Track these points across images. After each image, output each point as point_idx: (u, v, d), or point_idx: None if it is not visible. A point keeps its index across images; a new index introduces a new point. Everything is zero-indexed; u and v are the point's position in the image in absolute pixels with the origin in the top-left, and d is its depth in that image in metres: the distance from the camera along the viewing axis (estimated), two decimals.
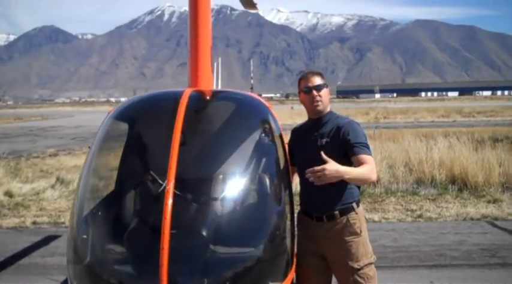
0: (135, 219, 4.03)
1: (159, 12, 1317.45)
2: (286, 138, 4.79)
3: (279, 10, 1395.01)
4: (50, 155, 25.61)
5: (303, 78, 4.57)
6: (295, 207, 4.50)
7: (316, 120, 4.51)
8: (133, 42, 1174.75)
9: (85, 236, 4.03)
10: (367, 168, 4.11)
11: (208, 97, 4.57)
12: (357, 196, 4.46)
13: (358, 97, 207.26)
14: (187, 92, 4.18)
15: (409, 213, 11.39)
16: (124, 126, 4.73)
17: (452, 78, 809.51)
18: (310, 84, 4.47)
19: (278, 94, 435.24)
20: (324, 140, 4.35)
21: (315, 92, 4.43)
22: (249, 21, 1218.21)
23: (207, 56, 4.91)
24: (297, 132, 4.78)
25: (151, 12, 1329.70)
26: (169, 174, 3.46)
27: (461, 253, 8.39)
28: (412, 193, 13.24)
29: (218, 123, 4.52)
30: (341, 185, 4.25)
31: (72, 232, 4.14)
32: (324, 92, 4.48)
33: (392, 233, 9.68)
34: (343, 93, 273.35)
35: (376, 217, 10.92)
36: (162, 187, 3.59)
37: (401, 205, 12.13)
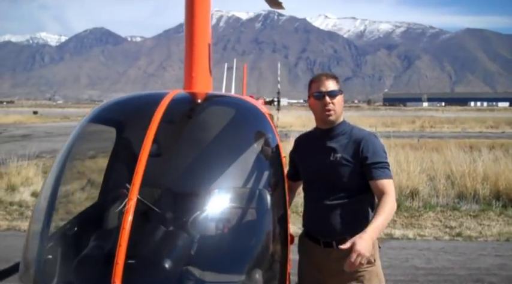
0: (92, 243, 3.47)
1: None
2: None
3: (326, 16, 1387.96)
4: (89, 157, 25.47)
5: (315, 80, 4.05)
6: (298, 227, 4.17)
7: (327, 131, 4.01)
8: (180, 45, 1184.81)
9: (51, 256, 3.51)
10: (389, 204, 3.62)
11: (195, 101, 4.12)
12: (369, 219, 3.83)
13: (405, 105, 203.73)
14: (171, 94, 3.73)
15: (447, 230, 10.70)
16: (99, 129, 4.39)
17: (502, 88, 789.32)
18: (323, 89, 3.94)
19: None
20: (338, 155, 3.87)
21: (327, 99, 3.91)
22: (296, 26, 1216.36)
23: (203, 55, 4.47)
24: (302, 142, 4.30)
25: None
26: (131, 192, 2.97)
27: (501, 279, 7.65)
28: (453, 208, 12.52)
29: (202, 130, 4.13)
30: (354, 205, 3.88)
31: (32, 249, 3.62)
32: (338, 100, 3.97)
33: (426, 252, 8.99)
34: (390, 101, 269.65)
35: (411, 234, 10.22)
36: (121, 207, 3.01)
37: (440, 221, 11.41)
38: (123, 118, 4.30)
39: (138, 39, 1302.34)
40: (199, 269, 3.34)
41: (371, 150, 3.81)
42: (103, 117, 4.23)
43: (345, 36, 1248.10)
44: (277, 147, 4.03)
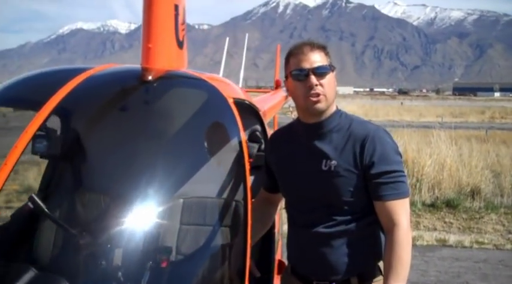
0: None
1: (274, 4, 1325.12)
2: None
3: (395, 3, 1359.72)
4: None
5: (294, 52, 2.83)
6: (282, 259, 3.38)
7: (314, 126, 2.82)
8: (247, 33, 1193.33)
9: None
10: (404, 248, 2.61)
11: (122, 81, 3.12)
12: (382, 249, 2.76)
13: (475, 95, 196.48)
14: (91, 71, 2.88)
15: (510, 236, 9.30)
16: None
17: None
18: (306, 65, 2.74)
19: (391, 89, 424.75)
20: (333, 163, 2.73)
21: (313, 79, 2.71)
22: (364, 14, 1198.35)
23: (167, 19, 3.35)
24: (279, 141, 3.11)
25: (266, 3, 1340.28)
26: None
27: None
28: None
29: (123, 121, 3.20)
30: (361, 232, 2.80)
31: None
32: (329, 80, 2.76)
33: (482, 266, 7.69)
34: (460, 90, 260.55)
35: (467, 240, 8.89)
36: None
37: (503, 226, 10.02)
38: (14, 103, 3.22)
39: (205, 26, 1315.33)
40: None
41: (378, 153, 2.71)
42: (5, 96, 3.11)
43: (415, 23, 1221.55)
44: (240, 143, 2.98)
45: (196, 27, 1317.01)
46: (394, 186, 2.68)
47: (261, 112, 4.24)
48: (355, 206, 2.76)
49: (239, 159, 2.96)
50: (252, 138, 4.33)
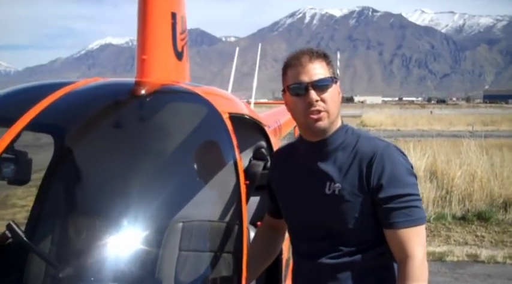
0: None
1: (301, 14, 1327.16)
2: None
3: (423, 11, 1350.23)
4: None
5: (292, 63, 2.51)
6: None
7: (317, 145, 2.52)
8: (274, 44, 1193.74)
9: None
10: (419, 274, 2.32)
11: (107, 97, 2.86)
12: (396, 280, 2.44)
13: (507, 103, 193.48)
14: (71, 87, 2.67)
15: None
16: None
17: None
18: (304, 78, 2.43)
19: (420, 98, 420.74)
20: (336, 186, 2.44)
21: (313, 94, 2.40)
22: (391, 22, 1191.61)
23: (163, 28, 3.16)
24: (282, 160, 2.78)
25: (292, 14, 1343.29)
26: None
27: None
28: None
29: (107, 139, 2.89)
30: (373, 262, 2.50)
31: None
32: (332, 93, 2.46)
33: None
34: (491, 98, 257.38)
35: (500, 255, 8.47)
36: None
37: None
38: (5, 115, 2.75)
39: (232, 39, 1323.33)
40: None
41: (387, 173, 2.39)
42: None
43: (443, 31, 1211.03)
44: (235, 163, 2.73)
45: (224, 39, 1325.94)
46: (407, 212, 2.36)
47: (266, 128, 4.03)
48: (363, 235, 2.46)
49: (232, 179, 2.69)
50: (257, 156, 4.01)
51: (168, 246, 2.67)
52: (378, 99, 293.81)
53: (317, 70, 2.43)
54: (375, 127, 40.00)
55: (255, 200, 4.18)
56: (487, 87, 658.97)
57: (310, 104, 2.40)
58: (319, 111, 2.40)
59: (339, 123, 2.52)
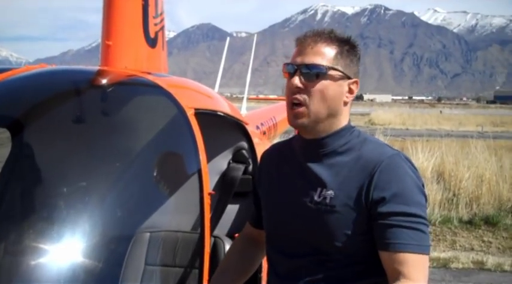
0: None
1: (312, 11, 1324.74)
2: None
3: (435, 10, 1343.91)
4: None
5: (297, 41, 2.14)
6: None
7: (313, 144, 2.12)
8: (285, 40, 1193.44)
9: None
10: None
11: (46, 86, 2.53)
12: None
13: None
14: (9, 73, 2.39)
15: None
16: None
17: None
18: (297, 59, 2.06)
19: (430, 97, 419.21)
20: (329, 193, 2.02)
21: (296, 79, 2.02)
22: (403, 21, 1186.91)
23: (131, 13, 2.81)
24: (272, 159, 2.35)
25: (304, 11, 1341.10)
26: None
27: None
28: None
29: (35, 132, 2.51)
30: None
31: None
32: (323, 86, 2.02)
33: None
34: (502, 99, 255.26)
35: (507, 263, 8.12)
36: None
37: None
38: None
39: (243, 34, 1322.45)
40: None
41: (393, 186, 1.95)
42: None
43: (455, 30, 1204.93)
44: (199, 172, 2.39)
45: (235, 35, 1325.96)
46: (411, 234, 1.90)
47: (248, 127, 3.65)
48: (353, 256, 2.02)
49: (192, 185, 2.42)
50: (237, 158, 3.58)
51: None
52: (388, 98, 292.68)
53: (316, 54, 2.02)
54: (384, 126, 39.49)
55: (233, 209, 3.70)
56: (498, 87, 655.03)
57: (291, 92, 2.03)
58: (299, 103, 2.01)
59: (342, 123, 2.12)
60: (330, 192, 2.01)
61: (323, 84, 1.99)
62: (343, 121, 2.12)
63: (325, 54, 2.02)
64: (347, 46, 2.08)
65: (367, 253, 2.00)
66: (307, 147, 2.13)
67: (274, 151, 2.40)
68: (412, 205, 1.93)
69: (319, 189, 2.04)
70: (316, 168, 2.08)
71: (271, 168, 2.30)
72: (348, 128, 2.13)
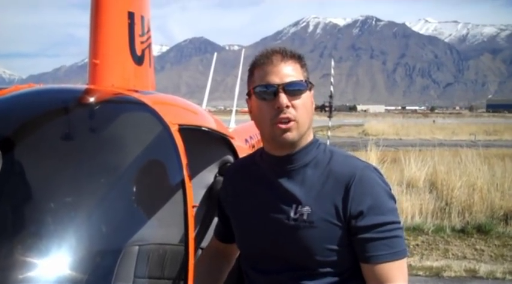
0: None
1: (304, 23, 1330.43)
2: None
3: (426, 20, 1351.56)
4: None
5: (260, 63, 2.14)
6: None
7: (283, 160, 2.12)
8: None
9: None
10: None
11: (43, 104, 2.62)
12: None
13: (510, 112, 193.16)
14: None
15: None
16: None
17: None
18: (275, 79, 2.05)
19: (423, 107, 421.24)
20: (305, 210, 2.03)
21: (283, 98, 2.02)
22: (394, 31, 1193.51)
23: (118, 30, 2.89)
24: (237, 176, 2.36)
25: (296, 23, 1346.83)
26: None
27: None
28: None
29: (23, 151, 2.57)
30: None
31: None
32: (305, 100, 2.08)
33: None
34: (494, 107, 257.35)
35: (499, 270, 8.10)
36: None
37: None
38: None
39: (236, 47, 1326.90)
40: None
41: (368, 199, 2.01)
42: None
43: (446, 40, 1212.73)
44: (183, 183, 2.39)
45: (227, 48, 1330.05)
46: (389, 243, 2.00)
47: (234, 142, 3.75)
48: (334, 269, 2.06)
49: (176, 199, 2.48)
50: (223, 171, 3.63)
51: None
52: (381, 108, 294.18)
53: (290, 71, 2.07)
54: (377, 136, 39.65)
55: None
56: (490, 96, 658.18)
57: (280, 110, 2.02)
58: (288, 120, 2.02)
59: (310, 137, 2.15)
60: (307, 208, 2.02)
61: (305, 97, 2.06)
62: (311, 134, 2.16)
63: (297, 70, 2.09)
64: (302, 60, 2.15)
65: (348, 262, 2.06)
66: (277, 163, 2.12)
67: (237, 166, 2.44)
68: (386, 213, 2.01)
69: (294, 206, 2.04)
70: (287, 184, 2.08)
71: (237, 186, 2.29)
72: (315, 142, 2.15)
